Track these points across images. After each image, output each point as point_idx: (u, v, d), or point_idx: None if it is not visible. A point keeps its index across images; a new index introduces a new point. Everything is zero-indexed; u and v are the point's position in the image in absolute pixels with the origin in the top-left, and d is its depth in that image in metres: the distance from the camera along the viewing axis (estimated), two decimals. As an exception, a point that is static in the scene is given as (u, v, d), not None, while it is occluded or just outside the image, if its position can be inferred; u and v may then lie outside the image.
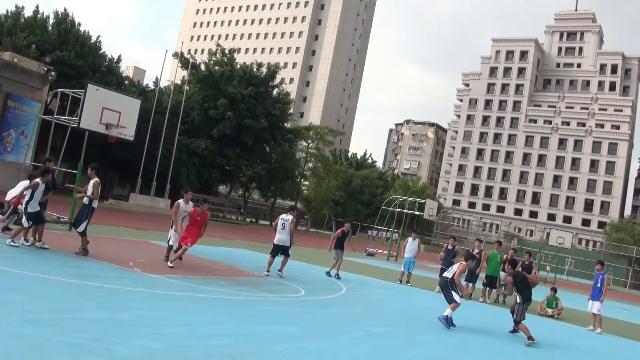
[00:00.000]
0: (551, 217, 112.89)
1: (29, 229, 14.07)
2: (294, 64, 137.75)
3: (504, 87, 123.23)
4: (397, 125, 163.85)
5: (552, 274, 43.82)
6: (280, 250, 17.51)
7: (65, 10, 51.04)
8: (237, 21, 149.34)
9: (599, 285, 16.77)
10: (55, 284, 10.21)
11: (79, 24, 51.30)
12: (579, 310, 20.75)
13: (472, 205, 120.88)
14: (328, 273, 20.09)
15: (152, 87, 56.52)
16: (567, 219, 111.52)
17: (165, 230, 20.27)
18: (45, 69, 34.98)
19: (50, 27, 49.75)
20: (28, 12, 50.77)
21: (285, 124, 64.10)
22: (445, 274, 14.01)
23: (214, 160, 54.77)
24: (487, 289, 20.70)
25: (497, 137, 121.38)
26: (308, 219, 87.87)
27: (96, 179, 14.54)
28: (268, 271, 17.00)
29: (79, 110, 18.72)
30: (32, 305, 8.34)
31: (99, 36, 52.63)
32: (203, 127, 54.88)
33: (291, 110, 66.32)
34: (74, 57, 46.76)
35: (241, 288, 13.47)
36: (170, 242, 15.82)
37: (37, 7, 51.02)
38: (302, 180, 75.70)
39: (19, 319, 7.40)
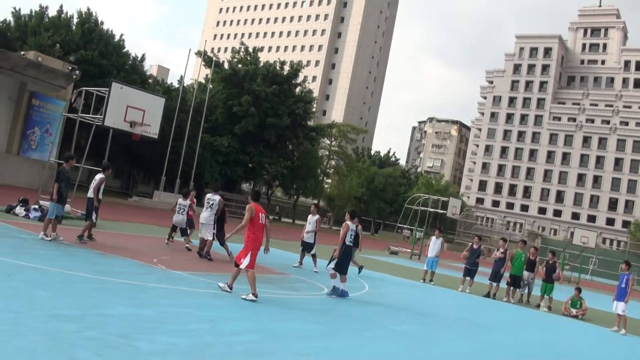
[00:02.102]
0: (575, 216, 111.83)
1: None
2: (317, 62, 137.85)
3: (528, 84, 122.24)
4: (420, 123, 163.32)
5: (572, 273, 43.33)
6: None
7: (88, 9, 51.47)
8: (260, 19, 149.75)
9: (623, 285, 16.57)
10: (80, 280, 10.32)
11: (102, 23, 51.70)
12: (603, 311, 20.54)
13: (495, 203, 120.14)
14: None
15: (176, 86, 56.81)
16: (591, 218, 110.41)
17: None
18: (70, 67, 35.28)
19: (74, 27, 50.19)
20: (52, 12, 51.32)
21: (308, 122, 64.14)
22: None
23: (237, 157, 54.96)
24: (512, 288, 20.54)
25: (520, 134, 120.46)
26: (331, 217, 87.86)
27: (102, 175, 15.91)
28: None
29: (103, 109, 18.88)
30: (57, 301, 8.43)
31: (122, 35, 53.01)
32: (226, 125, 55.08)
33: (314, 108, 66.33)
34: (97, 55, 47.13)
35: (264, 285, 13.48)
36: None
37: (61, 6, 51.48)
38: (325, 178, 75.71)
39: (44, 314, 7.48)
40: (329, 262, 14.20)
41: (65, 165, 15.23)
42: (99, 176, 15.80)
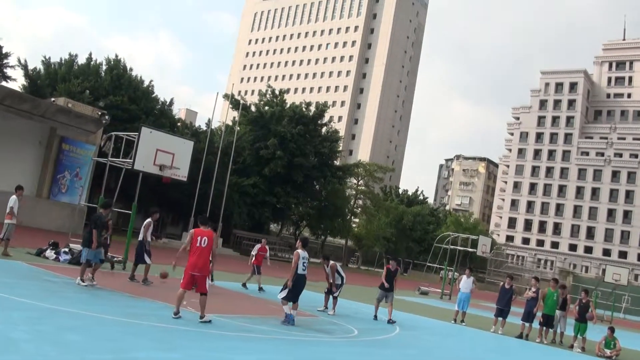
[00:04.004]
0: (606, 252, 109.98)
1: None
2: (342, 102, 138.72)
3: (555, 119, 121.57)
4: (447, 160, 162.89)
5: (604, 312, 42.47)
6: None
7: (116, 56, 52.48)
8: (286, 62, 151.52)
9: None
10: (111, 323, 10.30)
11: (131, 69, 52.59)
12: (637, 351, 20.03)
13: (525, 241, 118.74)
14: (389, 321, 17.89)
15: (204, 129, 57.39)
16: (623, 254, 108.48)
17: (218, 269, 20.36)
18: (99, 113, 35.88)
19: (103, 73, 51.10)
20: (81, 60, 52.30)
21: (335, 162, 64.30)
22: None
23: (265, 199, 55.13)
24: (544, 328, 20.14)
25: (549, 170, 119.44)
26: (359, 257, 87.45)
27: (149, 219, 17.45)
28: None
29: (133, 152, 19.07)
30: (87, 345, 8.41)
31: (151, 81, 53.98)
32: (254, 166, 55.43)
33: (340, 148, 66.60)
34: (127, 101, 47.82)
35: (293, 327, 13.38)
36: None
37: (90, 54, 52.56)
38: (352, 217, 75.51)
39: (76, 358, 7.46)
40: (281, 291, 14.04)
41: (102, 211, 15.63)
42: (148, 220, 17.35)
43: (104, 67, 51.83)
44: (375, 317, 18.26)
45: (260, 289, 21.13)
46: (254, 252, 21.97)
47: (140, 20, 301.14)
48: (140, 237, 17.06)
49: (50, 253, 19.30)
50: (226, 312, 14.09)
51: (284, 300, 13.87)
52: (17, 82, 48.77)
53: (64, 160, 37.53)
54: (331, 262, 18.79)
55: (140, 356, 8.28)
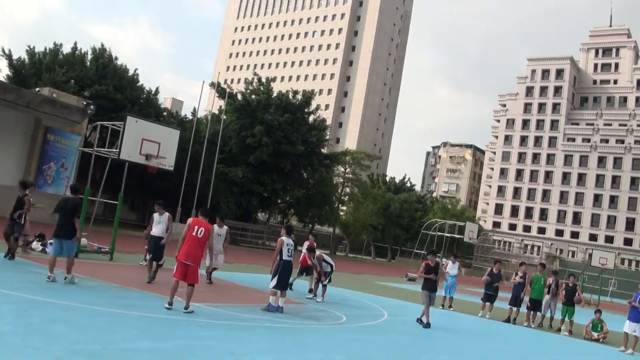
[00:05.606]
0: (593, 237, 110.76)
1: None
2: (329, 90, 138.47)
3: (541, 106, 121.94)
4: (434, 148, 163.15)
5: (591, 295, 42.79)
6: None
7: (102, 45, 52.07)
8: (272, 50, 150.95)
9: (637, 304, 16.21)
10: (99, 314, 10.27)
11: (116, 58, 52.19)
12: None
13: (512, 227, 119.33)
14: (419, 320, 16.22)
15: (190, 118, 57.14)
16: (609, 239, 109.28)
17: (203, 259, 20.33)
18: (85, 102, 35.58)
19: (88, 63, 50.69)
20: (66, 49, 51.84)
21: (322, 150, 64.24)
22: None
23: (252, 188, 55.04)
24: (532, 312, 20.29)
25: (535, 157, 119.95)
26: (347, 245, 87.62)
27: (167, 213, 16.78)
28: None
29: (118, 142, 18.95)
30: (76, 336, 8.38)
31: (136, 69, 53.45)
32: (241, 155, 55.25)
33: (327, 136, 66.51)
34: (112, 90, 47.50)
35: (282, 315, 13.40)
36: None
37: (75, 43, 52.10)
38: (340, 205, 75.57)
39: (63, 349, 7.43)
40: (271, 280, 14.04)
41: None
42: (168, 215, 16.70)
43: (90, 57, 51.41)
44: (423, 321, 15.85)
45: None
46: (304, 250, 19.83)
47: (121, 5, 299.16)
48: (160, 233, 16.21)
49: (36, 245, 19.22)
50: (215, 302, 14.08)
51: (273, 289, 13.88)
52: (1, 72, 48.32)
53: (50, 151, 37.26)
54: (317, 252, 18.76)
55: (129, 346, 8.26)
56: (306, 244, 19.79)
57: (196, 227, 11.90)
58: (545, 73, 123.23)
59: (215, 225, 17.26)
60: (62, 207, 13.58)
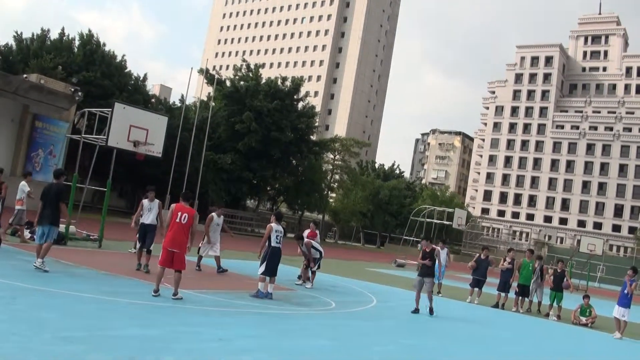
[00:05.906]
0: (581, 223, 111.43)
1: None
2: (319, 77, 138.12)
3: (530, 93, 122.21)
4: (423, 134, 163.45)
5: (580, 281, 43.08)
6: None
7: (90, 31, 51.60)
8: (261, 37, 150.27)
9: (626, 291, 16.38)
10: (87, 301, 10.23)
11: (104, 45, 51.77)
12: (612, 318, 20.39)
13: (501, 213, 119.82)
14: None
15: (179, 104, 56.87)
16: (598, 225, 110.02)
17: (196, 246, 20.29)
18: (72, 89, 35.34)
19: (76, 49, 50.27)
20: (54, 35, 51.39)
21: (311, 137, 64.14)
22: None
23: (241, 175, 54.93)
24: (520, 298, 20.40)
25: (524, 144, 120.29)
26: (336, 231, 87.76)
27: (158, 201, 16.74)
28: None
29: (106, 129, 18.85)
30: (63, 323, 8.35)
31: (124, 55, 53.11)
32: (230, 142, 55.09)
33: (317, 123, 66.43)
34: (100, 77, 47.19)
35: (271, 301, 13.42)
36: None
37: (63, 29, 51.64)
38: (329, 192, 75.61)
39: (51, 336, 7.41)
40: (260, 266, 14.06)
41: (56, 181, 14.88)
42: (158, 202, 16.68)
43: (77, 43, 50.99)
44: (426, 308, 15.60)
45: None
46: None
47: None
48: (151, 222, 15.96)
49: (25, 232, 19.10)
50: (204, 288, 14.08)
51: (262, 275, 13.88)
52: (-12, 58, 47.87)
53: (38, 138, 37.00)
54: (305, 239, 18.64)
55: (116, 333, 8.23)
56: (307, 232, 19.07)
57: (179, 214, 11.85)
58: (535, 60, 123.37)
59: (214, 215, 17.95)
60: (45, 193, 13.43)
